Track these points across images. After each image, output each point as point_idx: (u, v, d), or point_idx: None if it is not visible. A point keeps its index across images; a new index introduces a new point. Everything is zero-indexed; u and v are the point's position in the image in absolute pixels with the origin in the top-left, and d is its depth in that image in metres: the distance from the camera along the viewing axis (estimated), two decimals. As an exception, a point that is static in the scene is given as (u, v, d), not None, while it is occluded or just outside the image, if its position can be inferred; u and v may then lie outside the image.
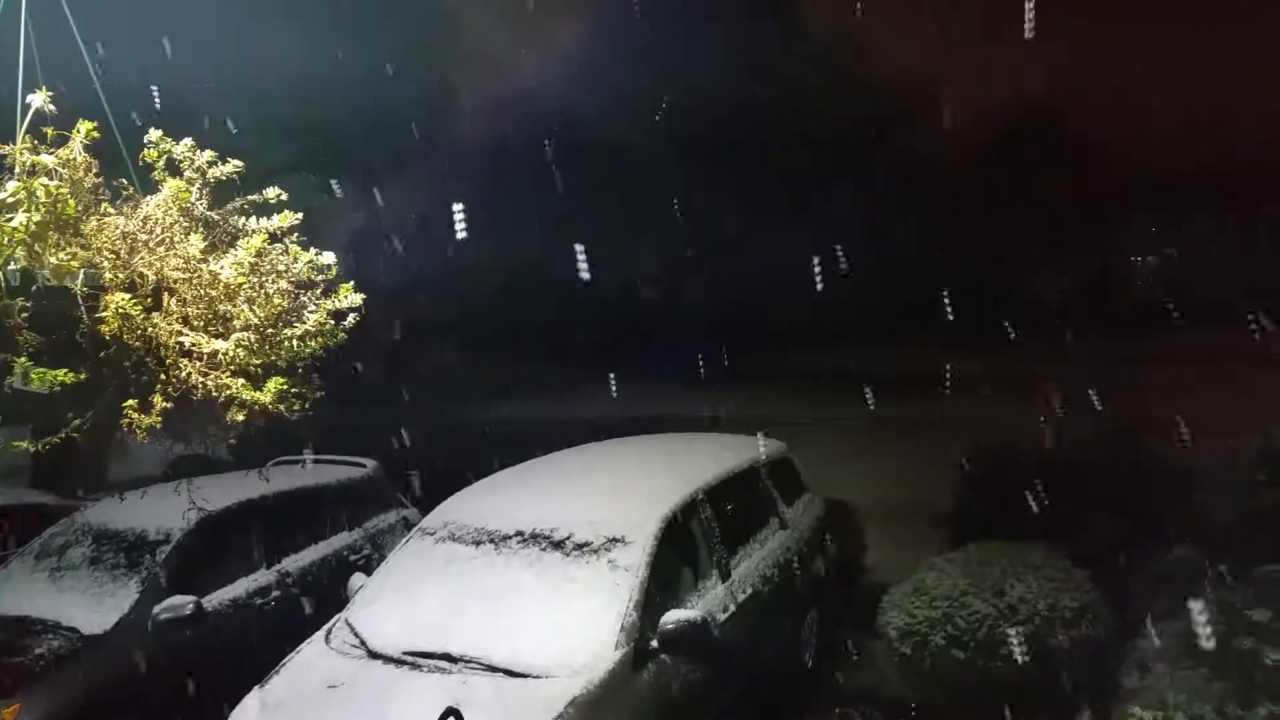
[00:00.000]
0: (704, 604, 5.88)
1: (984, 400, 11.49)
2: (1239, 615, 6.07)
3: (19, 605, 6.65)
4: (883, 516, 8.98)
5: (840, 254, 14.09)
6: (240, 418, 3.32)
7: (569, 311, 16.42)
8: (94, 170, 3.28)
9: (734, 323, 16.58)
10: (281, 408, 3.44)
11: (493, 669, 5.11)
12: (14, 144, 3.08)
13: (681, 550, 6.04)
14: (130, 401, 3.20)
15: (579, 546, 5.73)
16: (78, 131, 3.16)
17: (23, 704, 5.76)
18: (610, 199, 16.91)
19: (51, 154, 3.09)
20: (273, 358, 3.42)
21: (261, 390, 3.31)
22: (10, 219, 2.88)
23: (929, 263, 15.01)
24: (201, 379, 3.19)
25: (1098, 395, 8.88)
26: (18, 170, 3.03)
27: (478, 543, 5.97)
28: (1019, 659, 5.60)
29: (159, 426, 3.19)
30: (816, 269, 14.17)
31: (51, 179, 3.01)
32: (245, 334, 3.30)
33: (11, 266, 2.97)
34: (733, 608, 6.11)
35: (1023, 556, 6.18)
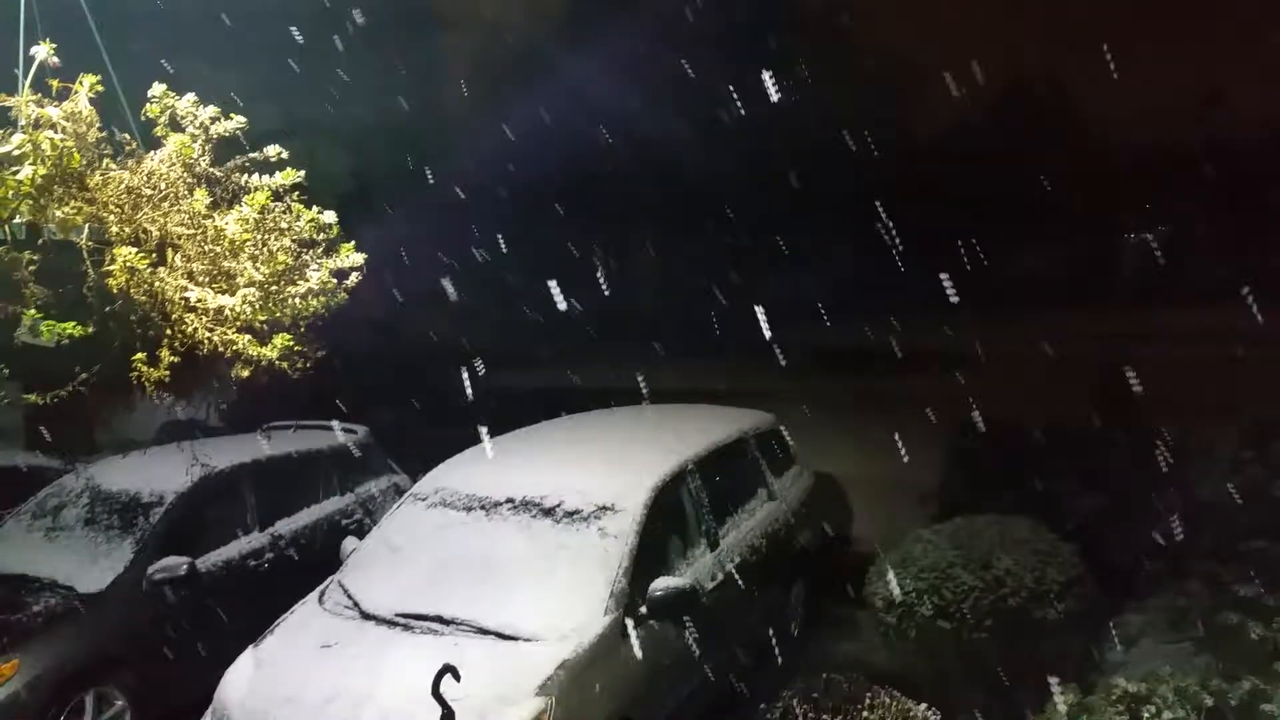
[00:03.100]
0: (692, 572, 5.96)
1: (973, 375, 11.56)
2: (1225, 590, 6.18)
3: (16, 564, 6.73)
4: (870, 489, 9.06)
5: (839, 227, 14.16)
6: (245, 374, 3.37)
7: (559, 282, 16.42)
8: (98, 124, 3.30)
9: (728, 295, 16.58)
10: (285, 365, 3.48)
11: (484, 632, 5.19)
12: (18, 96, 3.09)
13: (670, 519, 6.11)
14: (139, 355, 3.23)
15: (569, 514, 5.79)
16: (81, 84, 3.17)
17: (21, 660, 5.84)
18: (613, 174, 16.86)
19: (56, 107, 3.11)
20: (277, 314, 3.46)
21: (267, 346, 3.35)
22: (16, 172, 2.90)
23: (921, 238, 15.00)
24: (208, 334, 3.23)
25: (1087, 371, 8.94)
26: (23, 123, 3.04)
27: (469, 509, 6.04)
28: (1005, 631, 5.68)
29: (167, 381, 3.23)
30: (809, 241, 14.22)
31: (56, 132, 3.03)
32: (250, 290, 3.33)
33: (17, 220, 3.00)
34: (721, 576, 6.20)
35: (1010, 530, 6.23)
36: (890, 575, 6.12)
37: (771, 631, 7.08)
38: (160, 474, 7.22)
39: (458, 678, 4.30)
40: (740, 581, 6.36)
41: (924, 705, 5.47)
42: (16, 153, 2.92)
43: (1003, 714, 5.72)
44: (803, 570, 7.60)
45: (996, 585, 5.80)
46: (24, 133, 2.98)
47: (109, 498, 7.10)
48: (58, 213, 3.00)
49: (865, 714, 5.41)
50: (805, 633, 7.53)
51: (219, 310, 3.24)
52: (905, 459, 8.51)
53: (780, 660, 6.71)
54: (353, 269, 3.79)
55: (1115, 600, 6.54)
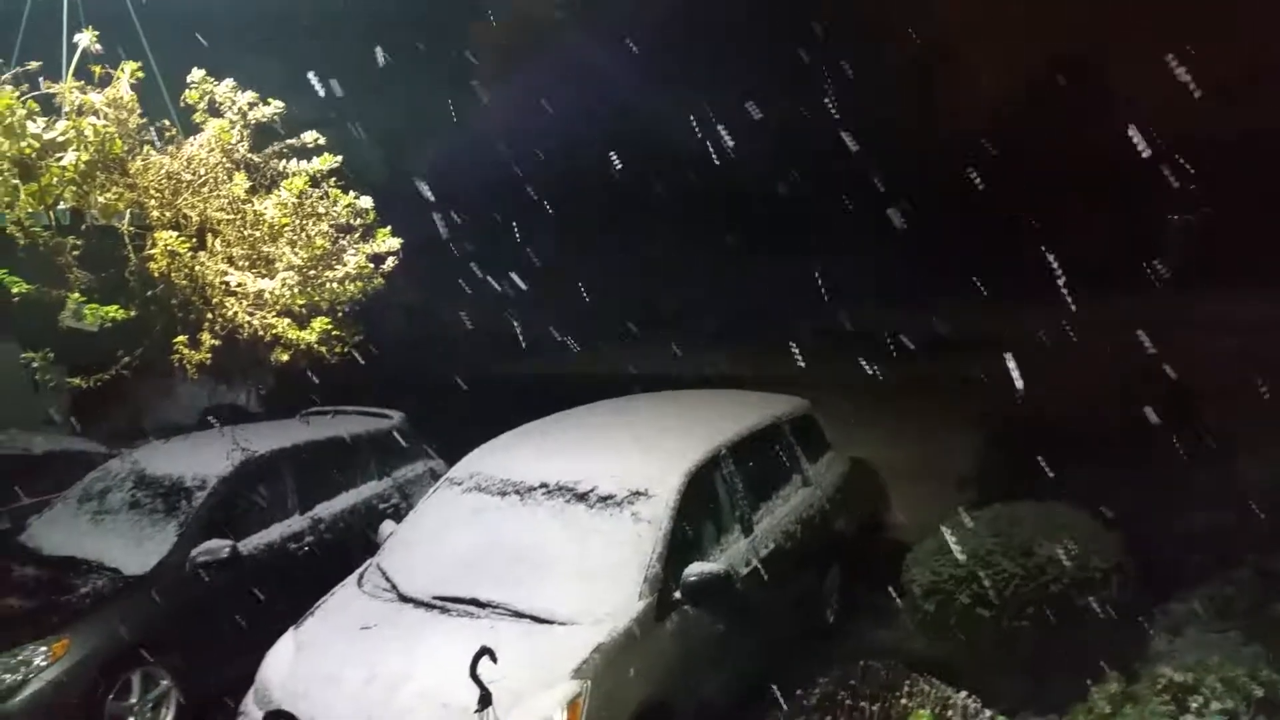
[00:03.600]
0: (726, 557, 5.96)
1: (1015, 359, 11.40)
2: (1274, 579, 6.07)
3: (65, 546, 6.88)
4: (907, 475, 9.00)
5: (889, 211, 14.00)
6: (285, 357, 3.40)
7: (598, 269, 16.37)
8: (138, 111, 3.34)
9: (768, 282, 16.48)
10: (324, 349, 3.52)
11: (519, 615, 5.23)
12: (62, 83, 3.14)
13: (704, 504, 6.11)
14: (180, 338, 3.29)
15: (603, 499, 5.81)
16: (122, 71, 3.21)
17: (70, 640, 5.97)
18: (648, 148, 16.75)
19: (99, 93, 3.16)
20: (315, 299, 3.50)
21: (306, 330, 3.38)
22: (60, 158, 2.95)
23: (960, 220, 14.78)
24: (248, 318, 3.27)
25: (1131, 355, 8.79)
26: (66, 109, 3.09)
27: (503, 494, 6.08)
28: (1046, 619, 5.62)
29: (208, 364, 3.27)
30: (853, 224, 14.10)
31: (99, 119, 3.07)
32: (289, 274, 3.37)
33: (62, 206, 3.05)
34: (755, 562, 6.19)
35: (1051, 516, 6.15)
36: (927, 562, 6.08)
37: (807, 618, 7.06)
38: (203, 458, 7.33)
39: (495, 660, 4.34)
40: (774, 567, 6.34)
41: (963, 693, 5.44)
42: (61, 139, 2.97)
43: (1043, 703, 5.66)
44: (838, 556, 7.57)
45: (1038, 572, 5.74)
46: (68, 119, 3.03)
47: (153, 482, 7.22)
48: (100, 198, 3.05)
49: (904, 701, 5.40)
50: (841, 619, 7.50)
51: (258, 294, 3.28)
52: (943, 445, 8.44)
53: (816, 647, 6.70)
54: (389, 254, 3.82)
55: (1160, 589, 6.44)
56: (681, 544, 5.66)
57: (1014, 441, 8.11)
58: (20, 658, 5.82)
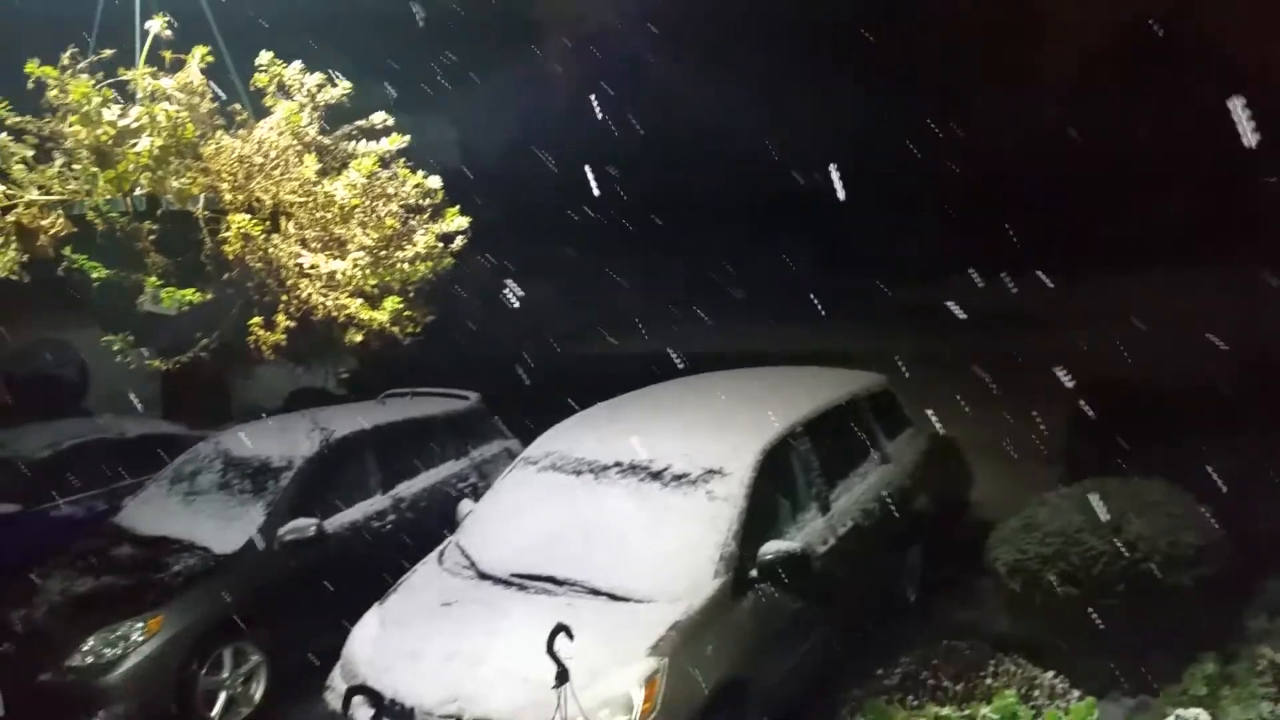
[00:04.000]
0: (803, 536, 5.90)
1: (1100, 332, 11.06)
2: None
3: (157, 526, 7.09)
4: (991, 452, 8.80)
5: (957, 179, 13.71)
6: (358, 338, 3.44)
7: (663, 244, 16.31)
8: (210, 95, 3.40)
9: (834, 256, 16.23)
10: (396, 329, 3.56)
11: (596, 592, 5.26)
12: (135, 69, 3.20)
13: (780, 482, 6.05)
14: (255, 319, 3.34)
15: (677, 477, 5.80)
16: (192, 56, 3.27)
17: (164, 617, 6.17)
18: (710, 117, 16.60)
19: (170, 79, 3.22)
20: (386, 279, 3.54)
21: (378, 310, 3.42)
22: (135, 144, 3.02)
23: (1038, 187, 14.36)
24: (321, 299, 3.32)
25: (1224, 326, 8.45)
26: (140, 96, 3.15)
27: (578, 472, 6.10)
28: (1136, 598, 5.46)
29: (283, 345, 3.33)
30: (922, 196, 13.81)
31: (170, 104, 3.13)
32: (360, 254, 3.41)
33: (138, 191, 3.12)
34: (832, 540, 6.12)
35: (1141, 492, 5.96)
36: (1013, 540, 5.94)
37: (888, 597, 6.97)
38: (288, 440, 7.49)
39: (571, 637, 4.37)
40: (853, 546, 6.27)
41: (1050, 673, 5.32)
42: (135, 125, 3.04)
43: (1135, 684, 5.51)
44: (919, 535, 7.46)
45: (1128, 550, 5.58)
46: (141, 105, 3.09)
47: (241, 463, 7.40)
48: (175, 183, 3.11)
49: (988, 681, 5.30)
50: (923, 599, 7.39)
51: (331, 275, 3.32)
52: (1027, 420, 8.23)
53: (897, 626, 6.61)
54: (457, 233, 3.83)
55: (1258, 567, 6.20)
56: (757, 522, 5.62)
57: (1102, 416, 7.86)
58: (119, 633, 6.04)
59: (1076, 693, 5.18)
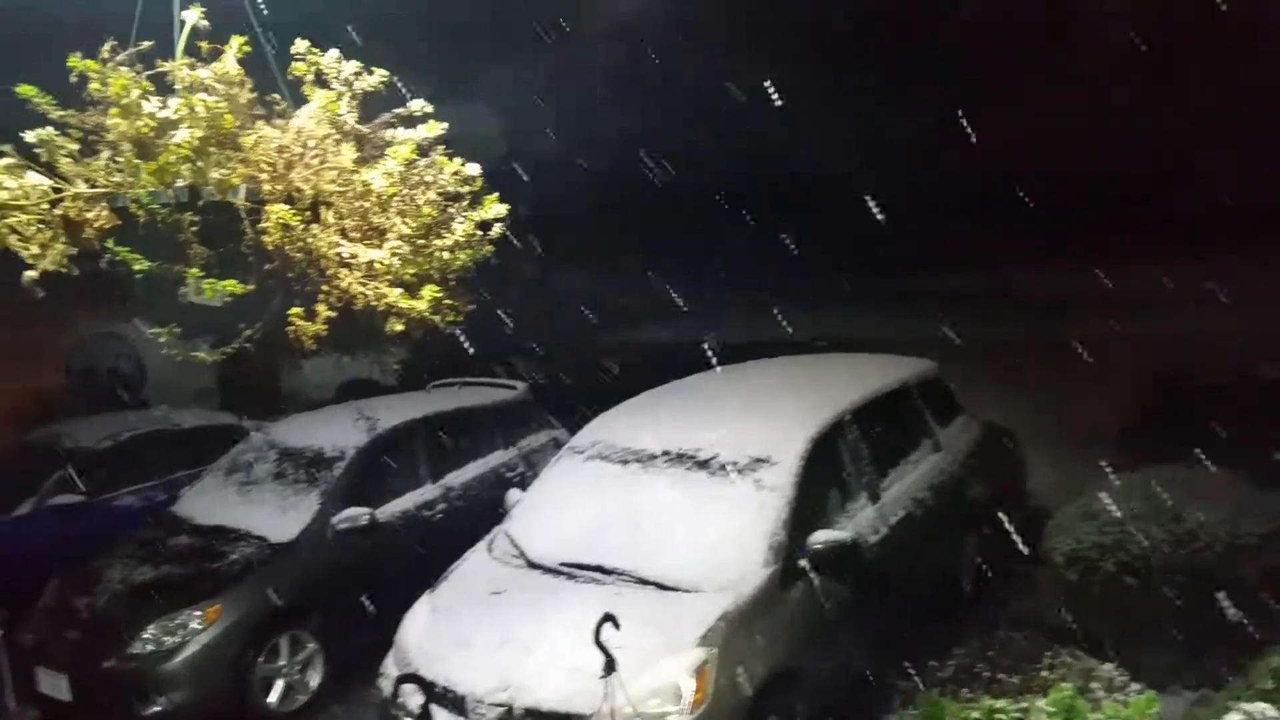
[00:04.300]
0: (853, 525, 5.83)
1: (1156, 318, 10.80)
2: None
3: (215, 515, 7.21)
4: (1047, 440, 8.63)
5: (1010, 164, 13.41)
6: (399, 327, 3.45)
7: (708, 232, 16.21)
8: (248, 85, 3.43)
9: (886, 240, 16.03)
10: (436, 318, 3.56)
11: (644, 582, 5.25)
12: (173, 60, 3.23)
13: (829, 471, 5.99)
14: (295, 309, 3.37)
15: (724, 466, 5.76)
16: (229, 46, 3.29)
17: (222, 605, 6.28)
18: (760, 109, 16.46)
19: (207, 70, 3.25)
20: (426, 268, 3.54)
21: (418, 299, 3.43)
22: (174, 136, 3.05)
23: (1096, 168, 14.01)
24: (361, 288, 3.33)
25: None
26: (179, 87, 3.18)
27: (625, 462, 6.08)
28: (1197, 588, 5.32)
29: (324, 335, 3.35)
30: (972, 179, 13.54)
31: (209, 94, 3.16)
32: (398, 243, 3.41)
33: (179, 183, 3.15)
34: (884, 530, 6.04)
35: (1202, 480, 5.83)
36: (1070, 529, 5.82)
37: (941, 587, 6.88)
38: (341, 430, 7.58)
39: (617, 626, 4.36)
40: (905, 535, 6.18)
41: (1108, 665, 5.20)
42: (174, 116, 3.07)
43: (1196, 677, 5.37)
44: (973, 524, 7.33)
45: (1188, 539, 5.44)
46: (180, 96, 3.12)
47: (295, 453, 7.50)
48: (215, 174, 3.13)
49: (1044, 673, 5.20)
50: (977, 589, 7.25)
51: (370, 264, 3.33)
52: (1083, 407, 8.06)
53: (952, 617, 6.51)
54: (496, 220, 3.82)
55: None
56: (806, 511, 5.56)
57: (1162, 402, 7.68)
58: (178, 621, 6.15)
59: (1136, 685, 5.07)
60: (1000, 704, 4.43)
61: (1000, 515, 7.07)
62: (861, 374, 7.16)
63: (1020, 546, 6.46)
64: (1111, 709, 4.30)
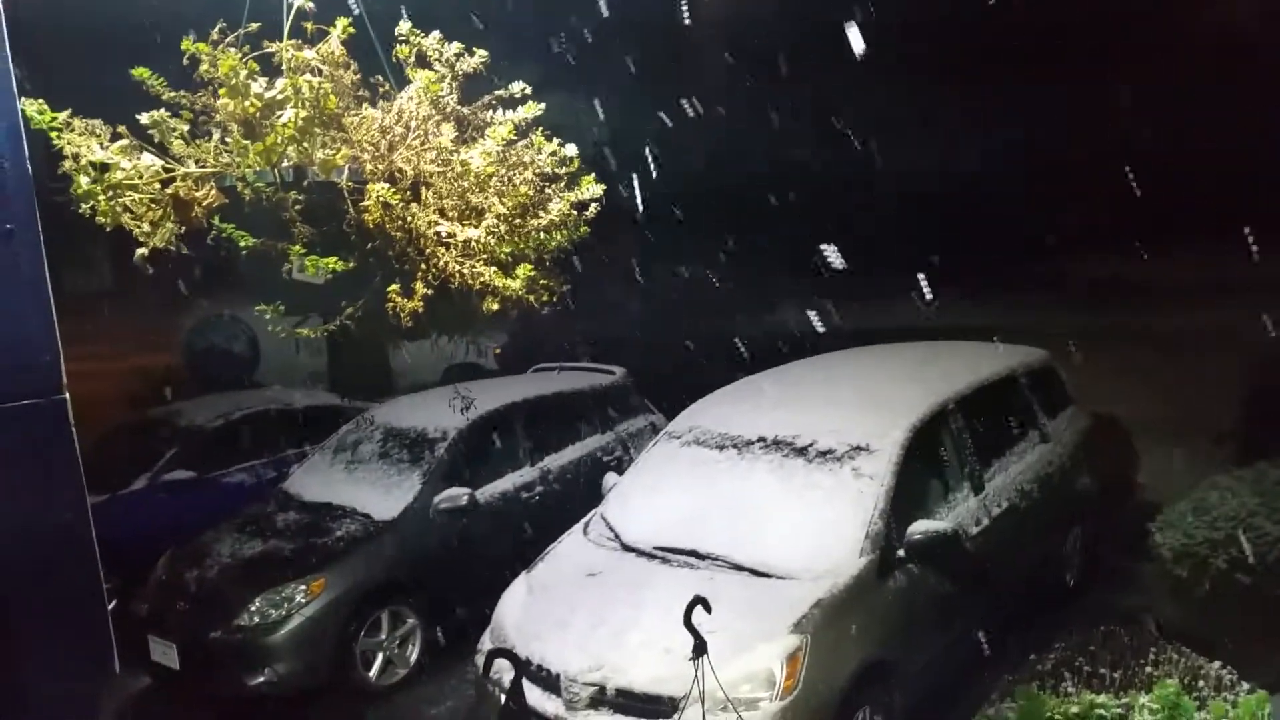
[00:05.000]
0: (954, 516, 5.73)
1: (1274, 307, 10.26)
2: None
3: (322, 493, 7.41)
4: (1158, 432, 8.31)
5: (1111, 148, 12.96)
6: (495, 306, 3.49)
7: (812, 218, 16.02)
8: (352, 67, 3.50)
9: (989, 228, 15.62)
10: (531, 298, 3.60)
11: (738, 568, 5.24)
12: (280, 42, 3.32)
13: (930, 460, 5.89)
14: (394, 286, 3.43)
15: (822, 454, 5.70)
16: (334, 27, 3.37)
17: (326, 579, 6.45)
18: (853, 97, 16.20)
19: (313, 51, 3.33)
20: (521, 247, 3.57)
21: (512, 278, 3.47)
22: (280, 116, 3.14)
23: (1200, 153, 13.39)
24: (458, 267, 3.38)
25: None
26: (285, 68, 3.27)
27: (721, 447, 6.07)
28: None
29: (420, 312, 3.41)
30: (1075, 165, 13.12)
31: (314, 76, 3.24)
32: (495, 222, 3.45)
33: (285, 164, 3.24)
34: (986, 521, 5.91)
35: (1322, 474, 5.56)
36: (1180, 524, 5.61)
37: (1044, 580, 6.70)
38: (443, 412, 7.71)
39: (709, 609, 4.35)
40: (1008, 527, 6.04)
41: (1217, 663, 5.00)
42: (280, 97, 3.16)
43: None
44: (1080, 517, 7.12)
45: (1307, 536, 5.18)
46: (286, 78, 3.21)
47: (399, 434, 7.66)
48: (319, 154, 3.21)
49: (1149, 670, 5.02)
50: (1082, 584, 7.06)
51: (467, 243, 3.37)
52: (1198, 399, 7.73)
53: (1054, 611, 6.34)
54: (592, 200, 3.83)
55: None
56: (906, 500, 5.49)
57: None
58: (284, 594, 6.33)
59: (1246, 685, 4.85)
60: (1101, 699, 4.31)
61: (1107, 508, 6.85)
62: (969, 362, 7.01)
63: (1127, 541, 6.25)
64: (1219, 709, 4.14)
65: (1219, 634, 5.38)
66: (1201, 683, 4.84)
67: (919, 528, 5.30)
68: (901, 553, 5.29)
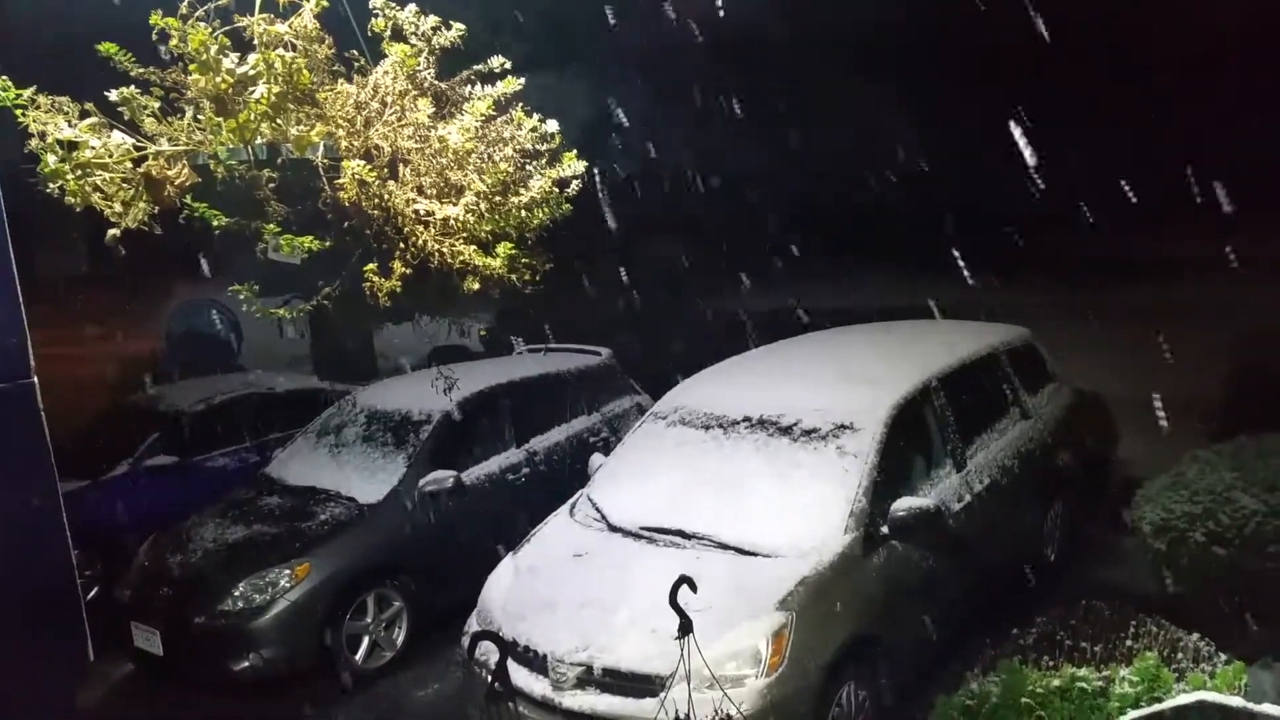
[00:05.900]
0: (937, 493, 5.75)
1: (1257, 284, 10.32)
2: None
3: (306, 477, 7.39)
4: (1138, 407, 8.35)
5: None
6: (475, 286, 3.46)
7: (798, 197, 16.01)
8: (327, 42, 3.45)
9: (975, 206, 15.66)
10: (513, 277, 3.56)
11: (724, 547, 5.24)
12: (252, 16, 3.26)
13: (913, 438, 5.91)
14: (370, 266, 3.40)
15: (806, 433, 5.72)
16: (308, 1, 3.32)
17: (311, 564, 6.43)
18: (849, 76, 16.18)
19: (286, 25, 3.28)
20: (502, 225, 3.54)
21: (492, 257, 3.43)
22: (253, 92, 3.09)
23: (1185, 130, 13.45)
24: (437, 246, 3.34)
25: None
26: (257, 43, 3.22)
27: (707, 427, 6.07)
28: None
29: (399, 291, 3.37)
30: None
31: (287, 51, 3.19)
32: (475, 200, 3.42)
33: (258, 141, 3.20)
34: (968, 497, 5.94)
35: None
36: (1159, 498, 5.65)
37: (1026, 556, 6.74)
38: (428, 394, 7.66)
39: (694, 589, 4.36)
40: (990, 503, 6.07)
41: (1195, 636, 5.03)
42: (252, 72, 3.11)
43: (1287, 648, 5.18)
44: (1061, 493, 7.16)
45: (1283, 509, 5.23)
46: (258, 52, 3.16)
47: (383, 417, 7.63)
48: (293, 130, 3.17)
49: (1129, 643, 5.05)
50: (1063, 558, 7.09)
51: (445, 221, 3.33)
52: (1179, 375, 7.76)
53: (1035, 586, 6.38)
54: (574, 178, 3.80)
55: None
56: (889, 478, 5.51)
57: (1257, 370, 7.37)
58: (267, 579, 6.31)
59: (1223, 656, 4.89)
60: (1082, 672, 4.32)
61: (1088, 483, 6.89)
62: (950, 340, 7.03)
63: (1107, 515, 6.29)
64: (1196, 680, 4.17)
65: (1198, 607, 5.43)
66: (1180, 655, 4.87)
67: (902, 505, 5.32)
68: (885, 530, 5.31)
